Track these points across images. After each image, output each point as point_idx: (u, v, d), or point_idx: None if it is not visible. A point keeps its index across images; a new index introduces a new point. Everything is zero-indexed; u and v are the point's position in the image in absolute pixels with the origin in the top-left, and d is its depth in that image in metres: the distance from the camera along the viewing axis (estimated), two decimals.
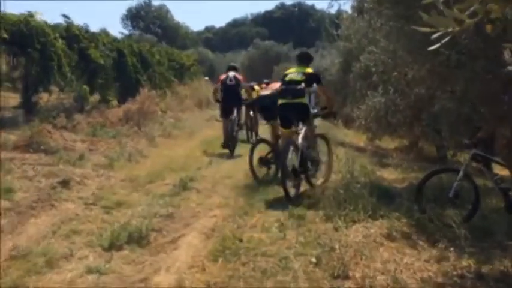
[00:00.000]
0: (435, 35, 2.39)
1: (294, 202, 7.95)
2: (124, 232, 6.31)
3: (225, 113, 13.71)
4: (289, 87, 8.96)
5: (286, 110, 8.95)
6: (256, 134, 15.81)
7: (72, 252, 5.88)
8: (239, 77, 14.28)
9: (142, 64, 22.03)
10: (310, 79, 9.04)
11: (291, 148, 8.56)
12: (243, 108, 15.53)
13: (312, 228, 6.64)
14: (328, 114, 10.01)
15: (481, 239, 6.18)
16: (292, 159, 8.57)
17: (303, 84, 8.91)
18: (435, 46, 2.54)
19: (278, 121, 9.51)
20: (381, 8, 10.60)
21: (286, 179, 8.34)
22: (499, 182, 7.02)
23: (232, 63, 15.95)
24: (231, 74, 14.19)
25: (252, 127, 16.60)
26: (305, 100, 8.92)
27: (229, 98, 13.76)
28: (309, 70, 9.30)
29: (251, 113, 16.41)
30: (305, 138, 8.80)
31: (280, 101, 9.05)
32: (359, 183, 8.61)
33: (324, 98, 10.34)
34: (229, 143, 13.26)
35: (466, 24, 2.31)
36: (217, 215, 7.42)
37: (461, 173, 7.34)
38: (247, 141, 15.67)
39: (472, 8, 2.31)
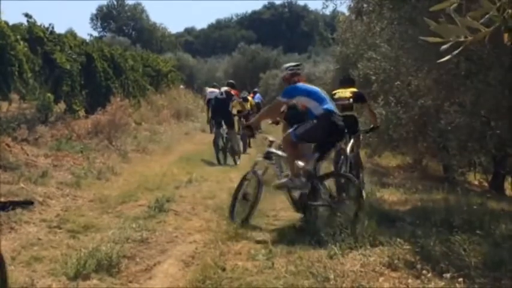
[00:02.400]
0: (445, 46, 2.41)
1: None
2: (92, 259, 6.27)
3: (216, 126, 15.43)
4: (339, 103, 9.90)
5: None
6: (249, 146, 18.76)
7: (34, 281, 5.85)
8: (232, 91, 16.15)
9: (114, 70, 22.02)
10: (357, 97, 10.70)
11: (342, 159, 9.94)
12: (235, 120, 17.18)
13: (304, 256, 6.63)
14: (373, 129, 11.46)
15: (493, 268, 6.21)
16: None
17: (351, 100, 10.52)
18: (445, 58, 2.56)
19: None
20: (383, 10, 10.71)
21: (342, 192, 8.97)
22: None
23: (231, 81, 18.24)
24: (224, 88, 16.23)
25: (246, 139, 18.42)
26: (354, 113, 10.62)
27: (219, 112, 15.37)
28: (355, 89, 11.00)
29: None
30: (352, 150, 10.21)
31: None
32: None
33: (370, 115, 11.68)
34: (218, 156, 15.10)
35: (481, 34, 2.33)
36: (198, 240, 7.41)
37: None
38: (243, 152, 17.82)
39: (487, 16, 2.33)
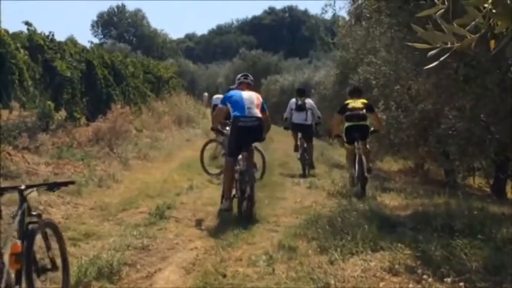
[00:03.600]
0: (432, 52, 2.45)
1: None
2: (93, 267, 6.29)
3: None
4: (354, 113, 11.67)
5: (353, 130, 11.64)
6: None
7: None
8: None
9: (115, 77, 22.02)
10: (368, 107, 11.90)
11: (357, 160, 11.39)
12: None
13: (305, 262, 6.65)
14: (373, 132, 12.37)
15: (494, 272, 6.22)
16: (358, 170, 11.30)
17: (364, 111, 11.74)
18: (433, 64, 2.60)
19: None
20: (381, 16, 10.75)
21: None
22: None
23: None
24: None
25: None
26: (367, 123, 11.93)
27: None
28: (365, 100, 12.20)
29: None
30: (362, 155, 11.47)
31: (348, 124, 11.77)
32: (357, 211, 8.69)
33: (376, 121, 12.61)
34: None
35: (468, 40, 2.37)
36: (198, 247, 7.43)
37: None
38: None
39: (473, 23, 2.37)
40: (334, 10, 18.36)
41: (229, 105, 9.52)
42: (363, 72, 19.42)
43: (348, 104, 11.94)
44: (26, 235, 4.85)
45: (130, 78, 24.45)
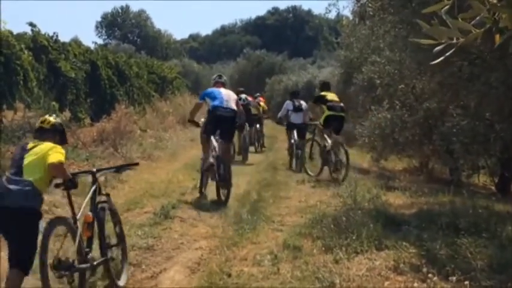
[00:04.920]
0: (438, 48, 2.43)
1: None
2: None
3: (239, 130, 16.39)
4: (336, 105, 13.49)
5: (333, 119, 13.31)
6: (263, 145, 21.68)
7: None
8: (249, 97, 18.56)
9: (119, 77, 22.08)
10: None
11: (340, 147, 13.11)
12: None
13: (310, 261, 6.64)
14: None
15: (498, 270, 6.20)
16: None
17: (342, 104, 13.67)
18: (439, 60, 2.58)
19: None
20: (384, 14, 10.71)
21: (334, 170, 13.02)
22: None
23: (241, 88, 20.27)
24: (243, 95, 17.87)
25: (259, 138, 21.18)
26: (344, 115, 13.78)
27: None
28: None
29: (258, 126, 20.61)
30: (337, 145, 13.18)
31: (330, 113, 13.30)
32: (362, 210, 8.67)
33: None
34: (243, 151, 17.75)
35: (473, 35, 2.35)
36: (203, 246, 7.43)
37: None
38: (255, 151, 20.31)
39: (478, 17, 2.35)
40: (338, 10, 18.32)
41: (208, 100, 10.74)
42: (367, 71, 19.35)
43: (325, 95, 13.62)
44: (97, 210, 5.90)
45: (135, 78, 24.51)
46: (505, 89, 7.45)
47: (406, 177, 14.49)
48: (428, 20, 2.56)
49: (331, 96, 13.66)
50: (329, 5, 16.14)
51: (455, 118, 11.04)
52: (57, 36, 17.68)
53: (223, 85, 11.32)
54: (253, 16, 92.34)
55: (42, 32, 16.61)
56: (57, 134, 5.92)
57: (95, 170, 6.35)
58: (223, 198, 10.25)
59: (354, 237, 7.25)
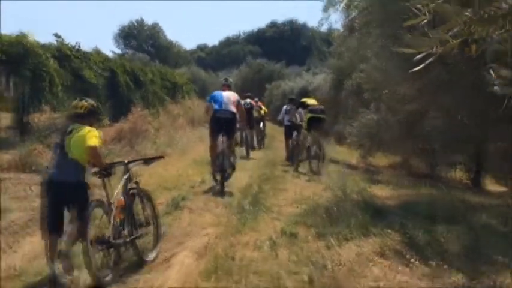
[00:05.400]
0: (418, 56, 2.43)
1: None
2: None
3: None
4: (315, 108, 14.27)
5: (314, 121, 13.92)
6: (263, 144, 21.76)
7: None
8: (252, 102, 18.53)
9: (135, 83, 22.08)
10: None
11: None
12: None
13: (304, 247, 6.65)
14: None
15: (471, 255, 6.21)
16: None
17: (322, 107, 14.34)
18: (419, 67, 2.58)
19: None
20: (371, 28, 10.72)
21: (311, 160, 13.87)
22: None
23: (248, 93, 20.36)
24: (248, 100, 18.13)
25: (262, 137, 21.68)
26: (324, 116, 14.33)
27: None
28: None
29: (261, 126, 21.28)
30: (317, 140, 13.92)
31: (311, 115, 14.00)
32: (351, 201, 8.66)
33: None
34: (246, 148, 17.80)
35: (450, 45, 2.35)
36: (210, 233, 7.41)
37: None
38: (259, 148, 20.68)
39: (455, 29, 2.35)
40: (329, 23, 18.38)
41: (212, 102, 10.93)
42: (355, 78, 19.40)
43: (305, 101, 14.69)
44: (128, 195, 6.18)
45: (149, 84, 24.51)
46: (478, 94, 7.45)
47: (389, 172, 14.49)
48: (409, 32, 2.57)
49: (310, 101, 14.65)
50: (321, 19, 16.22)
51: (433, 120, 11.04)
52: (79, 46, 17.71)
53: (229, 87, 11.59)
54: (255, 28, 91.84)
55: (66, 42, 16.64)
56: (91, 116, 6.06)
57: (126, 161, 6.59)
58: (220, 184, 10.43)
59: (343, 226, 7.26)
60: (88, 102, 6.08)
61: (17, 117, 14.01)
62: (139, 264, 6.11)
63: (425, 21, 2.37)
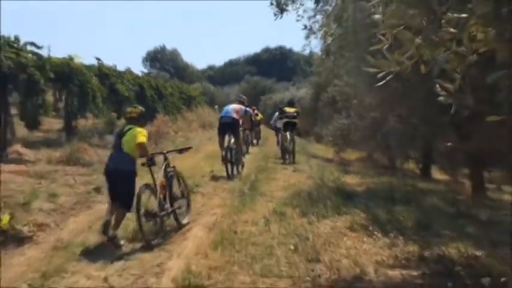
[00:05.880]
0: (380, 74, 2.44)
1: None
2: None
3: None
4: (290, 115, 14.30)
5: (289, 124, 14.13)
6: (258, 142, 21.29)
7: (104, 244, 5.87)
8: (251, 110, 17.56)
9: (158, 95, 22.03)
10: (297, 113, 14.50)
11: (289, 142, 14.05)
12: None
13: (291, 223, 6.64)
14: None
15: (422, 229, 6.22)
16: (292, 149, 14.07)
17: (295, 114, 14.37)
18: (381, 83, 2.58)
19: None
20: (343, 51, 10.72)
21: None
22: None
23: (253, 107, 20.72)
24: (247, 109, 17.81)
25: (258, 137, 21.25)
26: (296, 121, 14.37)
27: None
28: (296, 109, 14.83)
29: (258, 129, 21.16)
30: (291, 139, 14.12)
31: (285, 120, 14.31)
32: (328, 187, 8.67)
33: (298, 121, 14.82)
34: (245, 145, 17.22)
35: (405, 65, 2.35)
36: (217, 213, 7.40)
37: None
38: (256, 145, 20.17)
39: (409, 52, 2.36)
40: (310, 48, 18.43)
41: (222, 113, 11.36)
42: (330, 91, 19.42)
43: (285, 109, 14.67)
44: (168, 177, 6.60)
45: (169, 96, 24.46)
46: (427, 104, 7.46)
47: (358, 164, 14.50)
48: (373, 55, 2.56)
49: (288, 109, 14.57)
50: (304, 45, 16.22)
51: (392, 123, 11.04)
52: (115, 66, 17.71)
53: (240, 102, 11.79)
54: (252, 52, 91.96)
55: (105, 63, 16.61)
56: (141, 119, 6.40)
57: (165, 151, 7.08)
58: (230, 173, 10.71)
59: (321, 206, 7.26)
60: (139, 108, 6.48)
61: (66, 123, 13.99)
62: (178, 227, 6.63)
63: (386, 46, 2.38)
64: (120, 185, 5.97)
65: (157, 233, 6.15)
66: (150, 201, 6.11)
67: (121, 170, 5.98)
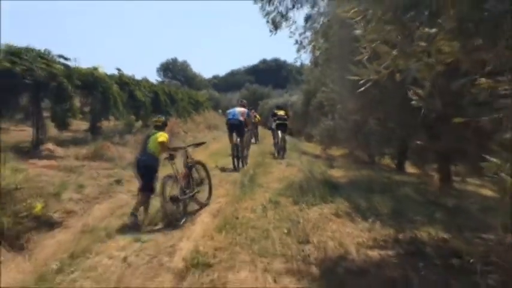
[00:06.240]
0: (361, 82, 2.43)
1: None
2: (158, 214, 6.31)
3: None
4: (281, 117, 14.21)
5: (280, 125, 14.02)
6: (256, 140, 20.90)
7: (124, 227, 5.87)
8: (250, 113, 17.58)
9: (171, 101, 21.95)
10: (286, 115, 14.51)
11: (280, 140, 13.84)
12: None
13: (285, 210, 6.65)
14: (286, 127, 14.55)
15: (397, 215, 6.22)
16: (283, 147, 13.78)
17: (286, 116, 14.34)
18: (361, 89, 2.58)
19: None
20: (329, 63, 10.71)
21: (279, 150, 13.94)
22: None
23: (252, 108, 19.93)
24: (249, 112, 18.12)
25: (256, 136, 20.65)
26: (287, 122, 14.29)
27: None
28: (285, 111, 14.84)
29: (256, 129, 20.63)
30: (283, 138, 13.91)
31: (278, 122, 14.12)
32: (316, 179, 8.67)
33: (289, 122, 14.91)
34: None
35: (382, 74, 2.35)
36: (221, 201, 7.41)
37: None
38: (255, 143, 19.45)
39: (386, 63, 2.35)
40: (301, 60, 18.50)
41: (229, 115, 11.26)
42: (319, 97, 19.38)
43: (276, 112, 14.57)
44: (188, 167, 6.94)
45: (180, 102, 24.39)
46: (402, 108, 7.46)
47: (342, 160, 14.49)
48: (355, 65, 2.55)
49: (279, 112, 14.54)
50: (296, 57, 16.20)
51: (371, 125, 11.03)
52: (133, 75, 17.66)
53: (241, 105, 11.89)
54: (251, 64, 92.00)
55: (125, 73, 16.57)
56: (164, 126, 6.91)
57: (185, 145, 7.36)
58: (237, 166, 11.06)
59: (311, 196, 7.27)
60: (163, 118, 7.10)
61: (91, 124, 13.96)
62: (200, 207, 7.00)
63: (366, 57, 2.37)
64: (145, 176, 6.38)
65: (180, 214, 6.33)
66: (173, 188, 6.35)
67: (146, 165, 6.39)
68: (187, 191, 6.70)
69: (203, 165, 7.55)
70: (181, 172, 6.75)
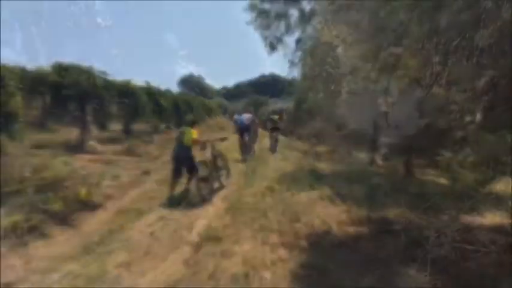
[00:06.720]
0: (342, 91, 2.43)
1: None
2: (184, 194, 6.34)
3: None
4: (274, 120, 13.44)
5: (274, 128, 13.38)
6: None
7: (151, 208, 5.87)
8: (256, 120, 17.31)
9: (189, 108, 21.96)
10: (280, 119, 13.85)
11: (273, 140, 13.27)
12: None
13: (279, 195, 6.65)
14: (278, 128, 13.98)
15: (369, 199, 6.21)
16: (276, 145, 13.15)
17: (278, 120, 13.55)
18: (342, 98, 2.57)
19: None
20: (315, 77, 10.69)
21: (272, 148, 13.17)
22: None
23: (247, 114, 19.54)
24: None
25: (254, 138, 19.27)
26: (279, 126, 13.64)
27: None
28: (281, 115, 14.52)
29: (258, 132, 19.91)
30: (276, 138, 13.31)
31: (272, 126, 13.39)
32: (305, 170, 8.66)
33: (283, 125, 14.70)
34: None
35: (358, 84, 2.34)
36: (229, 188, 7.40)
37: None
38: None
39: (364, 75, 2.34)
40: (293, 75, 18.63)
41: (237, 120, 11.39)
42: (308, 103, 19.36)
43: (272, 118, 13.98)
44: (213, 156, 7.15)
45: (196, 108, 24.41)
46: (373, 112, 7.46)
47: (326, 155, 14.45)
48: (336, 78, 2.55)
49: (273, 117, 14.23)
50: (288, 72, 16.16)
51: (350, 127, 11.03)
52: (159, 87, 17.64)
53: (248, 111, 12.19)
54: (252, 78, 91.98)
55: (152, 85, 16.54)
56: (194, 123, 6.84)
57: (212, 139, 7.54)
58: (245, 159, 11.01)
59: (301, 184, 7.27)
60: (192, 116, 7.50)
61: (125, 126, 13.96)
62: (222, 187, 7.22)
63: (347, 72, 2.37)
64: (185, 164, 6.48)
65: (209, 190, 6.58)
66: (203, 171, 6.56)
67: (186, 157, 6.45)
68: (214, 174, 7.00)
69: (224, 156, 7.75)
70: (209, 160, 6.97)
